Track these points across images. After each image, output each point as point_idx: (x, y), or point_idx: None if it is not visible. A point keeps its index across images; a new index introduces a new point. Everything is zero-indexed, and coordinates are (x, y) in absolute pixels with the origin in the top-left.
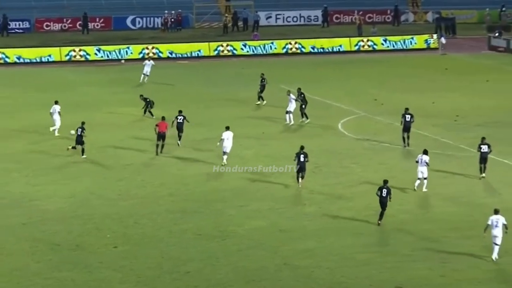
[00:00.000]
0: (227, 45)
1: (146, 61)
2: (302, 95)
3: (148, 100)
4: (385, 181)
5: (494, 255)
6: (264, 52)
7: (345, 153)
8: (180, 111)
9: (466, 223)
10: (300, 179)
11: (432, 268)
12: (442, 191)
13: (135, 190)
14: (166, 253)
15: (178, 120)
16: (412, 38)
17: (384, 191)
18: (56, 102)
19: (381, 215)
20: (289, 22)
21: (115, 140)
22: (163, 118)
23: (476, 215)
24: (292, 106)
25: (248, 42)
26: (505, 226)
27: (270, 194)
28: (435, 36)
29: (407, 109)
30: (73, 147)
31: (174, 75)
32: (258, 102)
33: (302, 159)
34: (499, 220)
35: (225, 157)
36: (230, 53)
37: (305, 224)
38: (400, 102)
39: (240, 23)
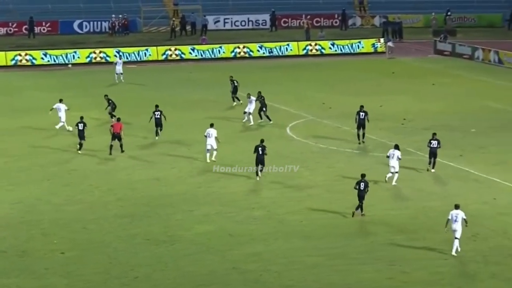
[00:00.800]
0: (175, 49)
1: (118, 60)
2: (262, 98)
3: (110, 101)
4: (363, 175)
5: (454, 250)
6: (213, 56)
7: (293, 157)
8: (156, 106)
9: (412, 226)
10: (259, 172)
11: (379, 271)
12: (389, 194)
13: (82, 195)
14: (114, 258)
15: (156, 116)
16: (360, 42)
17: (362, 185)
18: (60, 101)
19: (359, 207)
20: (237, 26)
21: (62, 145)
22: (118, 119)
23: (422, 218)
24: (252, 107)
25: (196, 46)
26: (464, 221)
27: (218, 199)
28: (382, 40)
29: (362, 106)
30: (80, 144)
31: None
32: (234, 103)
33: (260, 152)
34: (458, 214)
35: (208, 154)
36: (178, 57)
37: (253, 228)
38: (348, 105)
39: (188, 27)
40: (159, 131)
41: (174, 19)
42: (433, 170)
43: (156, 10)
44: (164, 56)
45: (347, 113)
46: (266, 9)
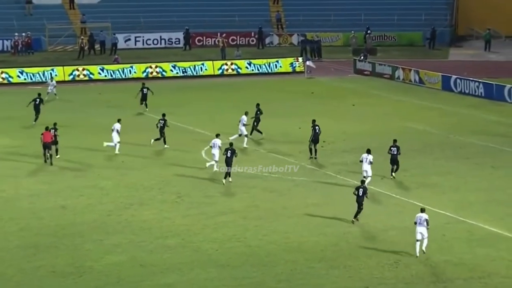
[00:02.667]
0: (83, 69)
1: (49, 81)
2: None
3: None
4: (362, 181)
5: (417, 252)
6: (123, 76)
7: (208, 182)
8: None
9: (332, 253)
10: (227, 176)
11: None
12: (308, 220)
13: None
14: None
15: (160, 124)
16: (277, 61)
17: (361, 191)
18: (118, 121)
19: (357, 214)
20: (149, 45)
21: None
22: (46, 128)
23: (342, 244)
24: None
25: (105, 66)
26: (426, 222)
27: (130, 227)
28: (300, 59)
29: (314, 120)
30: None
31: (24, 102)
32: (141, 110)
33: (229, 155)
34: (422, 217)
35: (213, 163)
36: (86, 78)
37: (166, 257)
38: (266, 127)
39: (97, 46)
40: (160, 139)
41: (82, 37)
42: (393, 175)
43: (62, 28)
44: (72, 77)
45: (266, 135)
46: (179, 27)
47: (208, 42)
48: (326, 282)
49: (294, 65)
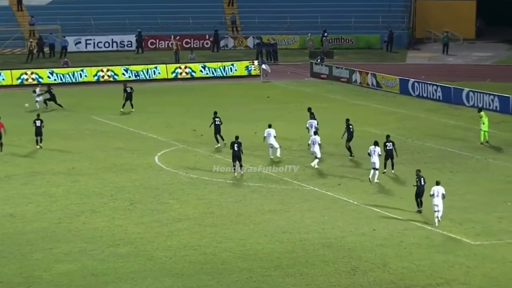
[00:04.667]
0: (32, 73)
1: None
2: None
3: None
4: (418, 170)
5: (436, 223)
6: (74, 80)
7: (162, 188)
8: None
9: (289, 260)
10: (238, 168)
11: None
12: (264, 227)
13: None
14: None
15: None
16: (233, 64)
17: (422, 179)
18: (269, 126)
19: (419, 204)
20: (101, 47)
21: None
22: None
23: (298, 251)
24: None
25: (55, 70)
26: (443, 195)
27: (80, 235)
28: (256, 62)
29: (348, 120)
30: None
31: None
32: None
33: (236, 148)
34: (439, 190)
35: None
36: (35, 82)
37: (119, 266)
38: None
39: (46, 49)
40: None
41: (31, 40)
42: (392, 171)
43: (10, 30)
44: (20, 80)
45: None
46: (131, 29)
47: (161, 45)
48: None
49: (249, 69)
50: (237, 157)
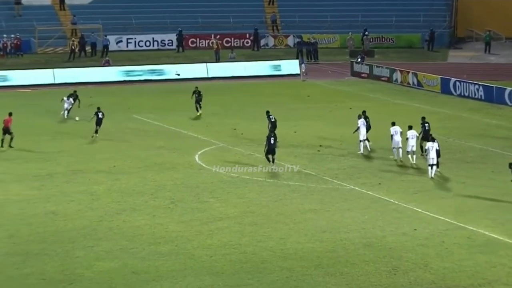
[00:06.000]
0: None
1: (65, 99)
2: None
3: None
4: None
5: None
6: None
7: (202, 187)
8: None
9: (329, 260)
10: (272, 161)
11: None
12: (304, 226)
13: None
14: None
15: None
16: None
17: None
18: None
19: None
20: (142, 46)
21: None
22: (10, 114)
23: (339, 251)
24: (361, 133)
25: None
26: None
27: (121, 233)
28: (296, 61)
29: (423, 118)
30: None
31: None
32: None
33: (272, 141)
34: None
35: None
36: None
37: (159, 264)
38: (260, 131)
39: (88, 48)
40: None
41: (73, 39)
42: (438, 170)
43: (52, 29)
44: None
45: (259, 139)
46: (172, 28)
47: (202, 44)
48: None
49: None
50: (273, 150)
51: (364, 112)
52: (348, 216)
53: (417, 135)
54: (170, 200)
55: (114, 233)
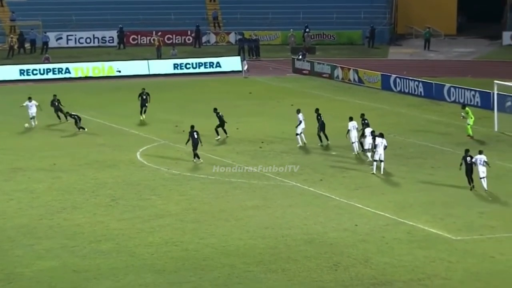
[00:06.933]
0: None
1: (28, 102)
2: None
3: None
4: (467, 150)
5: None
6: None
7: (144, 184)
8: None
9: (271, 256)
10: (196, 158)
11: None
12: (246, 222)
13: None
14: None
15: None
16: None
17: (468, 159)
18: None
19: (471, 181)
20: (82, 43)
21: None
22: None
23: (281, 247)
24: (301, 126)
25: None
26: (487, 163)
27: (62, 231)
28: (238, 58)
29: (192, 126)
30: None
31: None
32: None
33: (195, 136)
34: (482, 158)
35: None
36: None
37: (100, 262)
38: (202, 128)
39: (27, 45)
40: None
41: (11, 36)
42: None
43: None
44: None
45: (201, 136)
46: (113, 25)
47: (143, 41)
48: (264, 286)
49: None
50: (196, 145)
51: (317, 109)
52: (290, 213)
53: (386, 145)
54: (111, 198)
55: (54, 232)
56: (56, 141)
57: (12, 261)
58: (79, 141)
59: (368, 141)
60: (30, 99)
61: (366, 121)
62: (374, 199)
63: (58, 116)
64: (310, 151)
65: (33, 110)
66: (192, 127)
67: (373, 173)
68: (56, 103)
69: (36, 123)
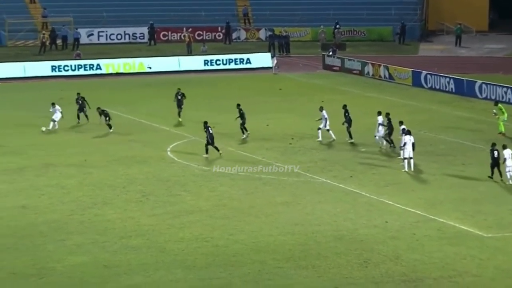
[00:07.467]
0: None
1: (51, 109)
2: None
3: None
4: (493, 144)
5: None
6: (87, 72)
7: (174, 180)
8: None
9: (301, 252)
10: (216, 149)
11: None
12: (276, 219)
13: None
14: None
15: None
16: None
17: (496, 152)
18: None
19: (493, 173)
20: (113, 39)
21: None
22: None
23: (311, 244)
24: (327, 123)
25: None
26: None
27: (93, 227)
28: (268, 55)
29: (206, 122)
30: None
31: None
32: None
33: (210, 131)
34: (508, 153)
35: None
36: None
37: (131, 258)
38: (232, 124)
39: (59, 41)
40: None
41: (43, 32)
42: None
43: (22, 22)
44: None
45: (231, 133)
46: (144, 21)
47: (174, 37)
48: (294, 283)
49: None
50: (213, 139)
51: (344, 105)
52: (319, 209)
53: (414, 141)
54: (141, 194)
55: (85, 227)
56: (86, 138)
57: (44, 256)
58: (109, 138)
59: (403, 140)
60: (53, 104)
61: (391, 120)
62: (404, 195)
63: (78, 116)
64: (339, 148)
65: (57, 116)
66: (206, 123)
67: (405, 171)
68: (80, 101)
69: (57, 127)
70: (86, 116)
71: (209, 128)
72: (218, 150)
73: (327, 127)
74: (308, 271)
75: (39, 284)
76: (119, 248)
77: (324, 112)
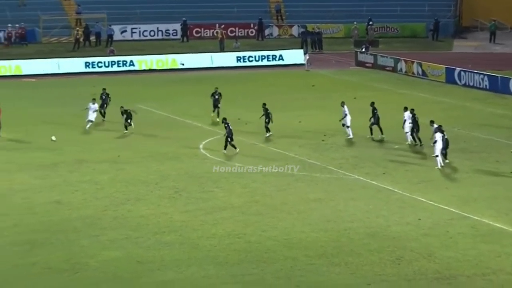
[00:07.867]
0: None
1: (91, 105)
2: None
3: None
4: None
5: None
6: (120, 68)
7: (206, 177)
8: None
9: (333, 249)
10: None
11: None
12: (308, 215)
13: None
14: None
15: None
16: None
17: None
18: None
19: None
20: (146, 36)
21: None
22: None
23: (343, 240)
24: (348, 118)
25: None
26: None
27: (126, 223)
28: (301, 51)
29: (225, 119)
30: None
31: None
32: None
33: (230, 127)
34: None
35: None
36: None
37: (163, 254)
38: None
39: (93, 38)
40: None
41: (77, 29)
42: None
43: (57, 19)
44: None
45: (262, 131)
46: (176, 18)
47: (206, 34)
48: (327, 279)
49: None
50: (232, 135)
51: (372, 103)
52: (352, 206)
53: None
54: (174, 190)
55: (119, 223)
56: (119, 134)
57: (78, 251)
58: (142, 134)
59: (435, 138)
60: (94, 100)
61: (415, 116)
62: (437, 193)
63: (101, 112)
64: (370, 145)
65: (93, 116)
66: (224, 119)
67: (438, 168)
68: (104, 97)
69: (88, 126)
70: (102, 113)
71: (228, 124)
72: (235, 148)
73: (348, 123)
74: (341, 268)
75: (73, 279)
76: (152, 244)
77: (345, 107)
